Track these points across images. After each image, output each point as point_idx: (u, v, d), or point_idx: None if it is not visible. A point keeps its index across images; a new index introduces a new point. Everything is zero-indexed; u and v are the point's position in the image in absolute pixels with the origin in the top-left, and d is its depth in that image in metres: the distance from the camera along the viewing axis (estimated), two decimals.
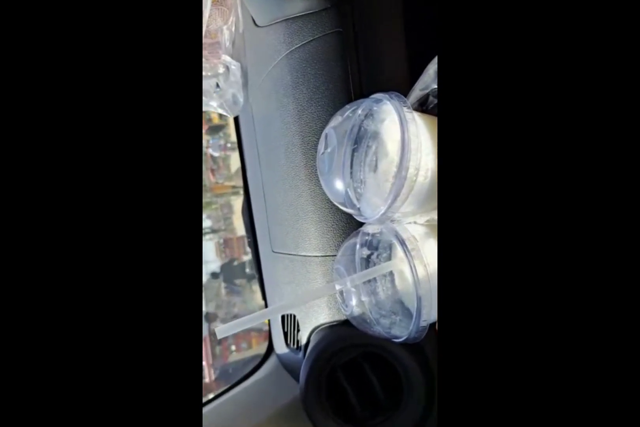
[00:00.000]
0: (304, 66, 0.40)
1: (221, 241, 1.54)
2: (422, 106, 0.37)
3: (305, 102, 0.40)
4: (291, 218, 0.44)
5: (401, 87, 0.37)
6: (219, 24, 0.52)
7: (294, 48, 0.40)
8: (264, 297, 0.54)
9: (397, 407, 0.40)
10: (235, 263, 1.54)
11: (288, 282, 0.47)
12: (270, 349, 0.55)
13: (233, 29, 0.51)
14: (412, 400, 0.39)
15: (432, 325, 0.31)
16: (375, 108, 0.30)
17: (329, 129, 0.32)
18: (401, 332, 0.30)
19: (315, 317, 0.44)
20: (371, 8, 0.38)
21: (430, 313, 0.29)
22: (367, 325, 0.33)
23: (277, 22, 0.41)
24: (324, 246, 0.42)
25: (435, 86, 0.35)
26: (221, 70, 0.51)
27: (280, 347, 0.52)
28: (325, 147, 0.32)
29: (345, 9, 0.38)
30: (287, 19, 0.40)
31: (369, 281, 0.33)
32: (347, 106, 0.33)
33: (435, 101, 0.36)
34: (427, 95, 0.36)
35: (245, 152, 0.53)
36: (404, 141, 0.27)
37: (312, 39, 0.39)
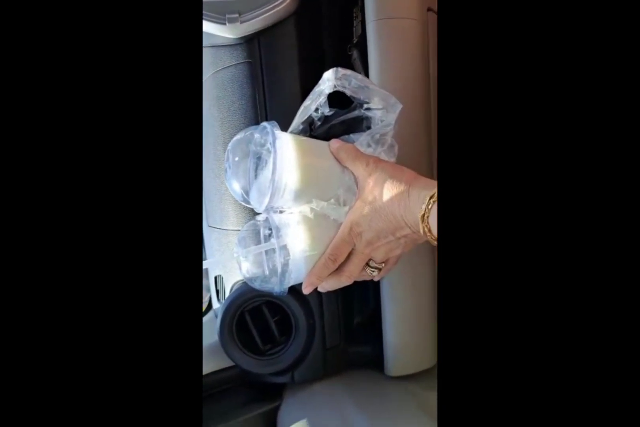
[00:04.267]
0: (225, 86, 0.51)
1: None
2: (310, 125, 0.49)
3: (225, 112, 0.52)
4: (218, 200, 0.57)
5: (295, 104, 0.48)
6: None
7: (218, 69, 0.51)
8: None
9: (287, 341, 0.55)
10: None
11: (217, 249, 0.60)
12: (210, 305, 0.70)
13: None
14: (298, 336, 0.54)
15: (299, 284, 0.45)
16: (259, 134, 0.43)
17: (230, 143, 0.44)
18: (273, 288, 0.44)
19: (233, 276, 0.58)
20: (272, 43, 0.50)
21: (291, 277, 0.43)
22: (256, 283, 0.46)
23: (208, 47, 0.52)
24: (239, 222, 0.56)
25: (313, 110, 0.46)
26: None
27: (215, 302, 0.66)
28: (227, 159, 0.44)
29: (253, 44, 0.49)
30: (214, 46, 0.51)
31: (262, 252, 0.46)
32: (248, 128, 0.45)
33: (319, 123, 0.48)
34: (311, 117, 0.48)
35: None
36: (275, 164, 0.40)
37: (230, 65, 0.50)
